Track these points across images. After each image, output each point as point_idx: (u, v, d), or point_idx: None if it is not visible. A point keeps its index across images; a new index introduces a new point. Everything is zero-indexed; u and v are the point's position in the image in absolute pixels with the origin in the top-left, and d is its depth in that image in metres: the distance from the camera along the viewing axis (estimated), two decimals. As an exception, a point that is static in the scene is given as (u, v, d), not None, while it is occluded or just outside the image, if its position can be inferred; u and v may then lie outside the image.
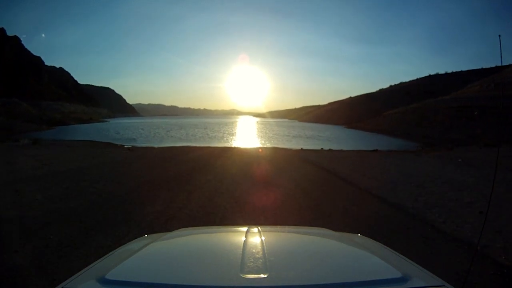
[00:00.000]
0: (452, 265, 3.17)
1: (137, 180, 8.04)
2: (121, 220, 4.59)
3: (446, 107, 48.53)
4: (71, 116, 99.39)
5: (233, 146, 27.87)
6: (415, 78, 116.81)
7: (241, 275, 0.89)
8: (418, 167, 10.94)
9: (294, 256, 1.19)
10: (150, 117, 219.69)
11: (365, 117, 74.09)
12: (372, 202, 6.03)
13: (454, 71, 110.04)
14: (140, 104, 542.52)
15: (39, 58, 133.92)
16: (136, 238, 1.59)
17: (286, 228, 2.38)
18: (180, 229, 1.73)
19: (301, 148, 23.93)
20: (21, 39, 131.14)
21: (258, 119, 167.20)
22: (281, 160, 14.00)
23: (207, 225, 4.23)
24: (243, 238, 1.27)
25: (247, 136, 47.32)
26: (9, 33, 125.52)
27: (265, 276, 0.89)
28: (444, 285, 0.90)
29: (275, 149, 22.57)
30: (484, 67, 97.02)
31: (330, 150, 22.03)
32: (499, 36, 1.45)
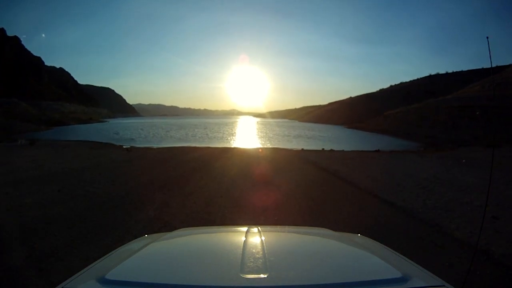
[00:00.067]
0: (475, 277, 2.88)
1: (133, 183, 7.76)
2: (111, 228, 4.27)
3: (448, 107, 48.25)
4: (70, 116, 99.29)
5: (233, 146, 27.62)
6: (415, 78, 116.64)
7: (241, 275, 0.88)
8: (423, 168, 10.66)
9: (294, 256, 1.18)
10: (150, 117, 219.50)
11: (365, 117, 73.93)
12: (380, 207, 5.70)
13: (454, 71, 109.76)
14: (140, 104, 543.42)
15: (39, 58, 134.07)
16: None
17: (286, 228, 2.35)
18: (180, 229, 1.72)
19: (302, 149, 23.65)
20: (21, 39, 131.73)
21: (258, 119, 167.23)
22: (281, 161, 13.73)
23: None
24: (243, 238, 1.27)
25: (247, 137, 47.09)
26: (9, 33, 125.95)
27: (265, 276, 0.88)
28: (444, 285, 0.89)
29: (275, 150, 22.31)
30: (484, 67, 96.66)
31: (331, 150, 21.74)
32: (487, 37, 1.49)
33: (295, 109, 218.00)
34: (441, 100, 53.66)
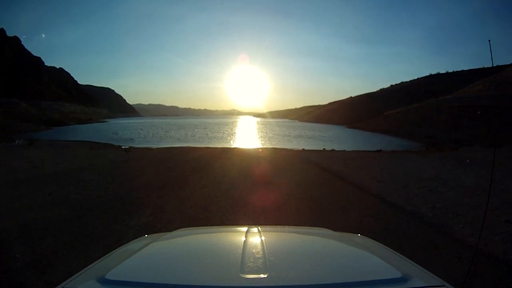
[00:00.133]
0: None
1: (129, 184, 7.62)
2: (99, 237, 4.04)
3: (448, 106, 48.13)
4: (70, 116, 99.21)
5: (233, 146, 27.50)
6: (415, 77, 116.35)
7: (241, 275, 0.88)
8: (426, 169, 10.51)
9: (294, 256, 1.18)
10: (150, 117, 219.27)
11: (365, 117, 73.76)
12: (389, 212, 5.48)
13: (455, 70, 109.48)
14: (140, 104, 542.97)
15: (39, 58, 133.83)
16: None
17: (286, 228, 2.35)
18: (180, 229, 1.71)
19: (303, 149, 23.53)
20: (21, 39, 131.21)
21: (258, 119, 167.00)
22: (281, 161, 13.61)
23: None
24: (243, 238, 1.26)
25: (247, 137, 46.99)
26: (9, 33, 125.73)
27: (265, 276, 0.88)
28: (444, 285, 0.89)
29: (275, 150, 22.19)
30: (484, 67, 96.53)
31: (332, 150, 21.61)
32: (489, 41, 1.51)
33: (295, 109, 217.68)
34: (442, 100, 53.52)
